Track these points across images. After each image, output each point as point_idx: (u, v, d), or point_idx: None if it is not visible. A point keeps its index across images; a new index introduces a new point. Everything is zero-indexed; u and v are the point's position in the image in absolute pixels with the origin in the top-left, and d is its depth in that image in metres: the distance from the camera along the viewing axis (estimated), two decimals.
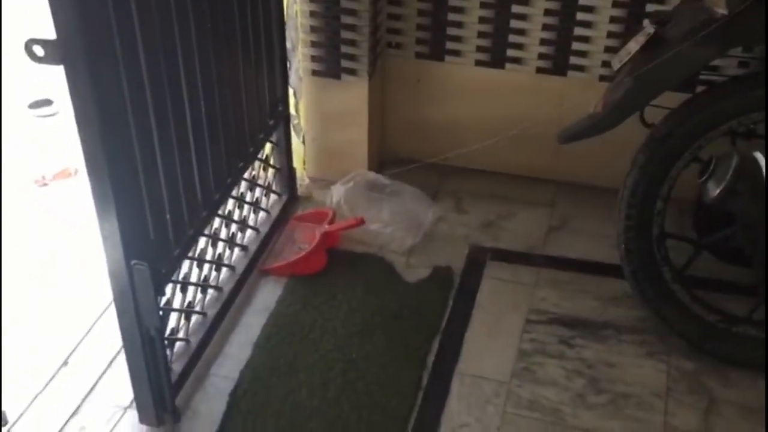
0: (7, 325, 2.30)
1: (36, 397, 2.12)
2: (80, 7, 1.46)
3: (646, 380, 2.17)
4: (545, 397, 2.13)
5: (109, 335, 2.19)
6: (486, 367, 2.21)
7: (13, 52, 3.49)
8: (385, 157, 2.99)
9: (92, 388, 2.15)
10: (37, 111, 3.43)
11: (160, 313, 1.92)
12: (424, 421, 2.07)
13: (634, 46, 2.00)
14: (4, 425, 1.95)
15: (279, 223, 2.71)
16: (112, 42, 1.60)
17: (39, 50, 1.50)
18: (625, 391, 2.14)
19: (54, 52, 1.49)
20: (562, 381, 2.17)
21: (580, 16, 2.61)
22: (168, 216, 1.93)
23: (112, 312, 1.90)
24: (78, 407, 2.10)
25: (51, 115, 3.42)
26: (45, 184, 3.04)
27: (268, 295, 2.45)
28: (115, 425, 2.05)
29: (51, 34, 1.49)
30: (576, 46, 2.66)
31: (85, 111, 1.55)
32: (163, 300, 2.01)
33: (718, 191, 1.88)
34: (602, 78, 2.65)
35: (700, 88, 2.30)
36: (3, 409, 1.95)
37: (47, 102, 3.45)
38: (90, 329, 2.33)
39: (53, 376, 2.18)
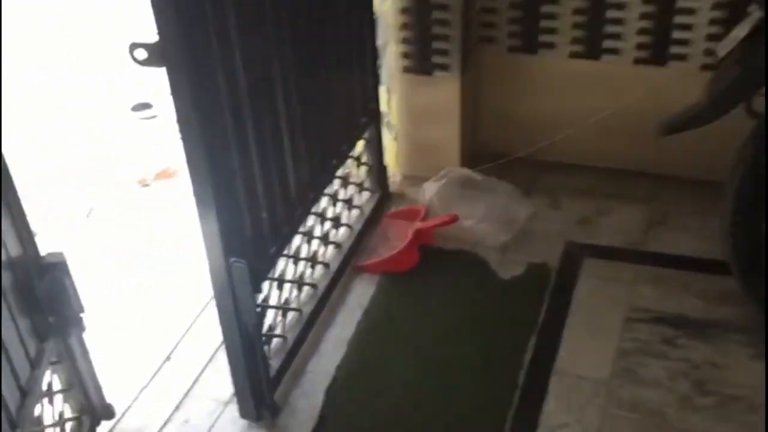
0: (114, 323, 2.39)
1: (141, 391, 2.19)
2: (181, 10, 1.50)
3: (756, 382, 2.07)
4: (648, 398, 2.06)
5: (210, 331, 2.24)
6: (585, 367, 2.15)
7: (112, 56, 3.62)
8: (478, 153, 2.96)
9: (194, 383, 2.21)
10: (139, 114, 3.56)
11: (258, 309, 1.95)
12: (521, 422, 2.04)
13: (740, 32, 1.91)
14: (112, 418, 2.02)
15: (372, 221, 2.72)
16: (210, 44, 1.63)
17: (142, 53, 1.55)
18: (733, 393, 2.05)
19: (156, 54, 1.54)
20: (666, 382, 2.10)
21: (681, 2, 2.52)
22: (264, 214, 1.96)
23: (213, 309, 1.95)
24: (181, 401, 2.16)
25: (152, 118, 3.53)
26: (147, 185, 3.14)
27: (362, 293, 2.46)
28: (216, 419, 2.10)
29: (152, 37, 1.53)
30: (676, 34, 2.56)
31: (186, 112, 1.59)
32: (261, 297, 2.04)
33: None
34: (704, 67, 2.54)
35: None
36: (111, 402, 2.02)
37: (148, 105, 3.57)
38: (191, 325, 2.39)
39: (157, 371, 2.25)
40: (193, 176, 1.68)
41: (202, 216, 1.74)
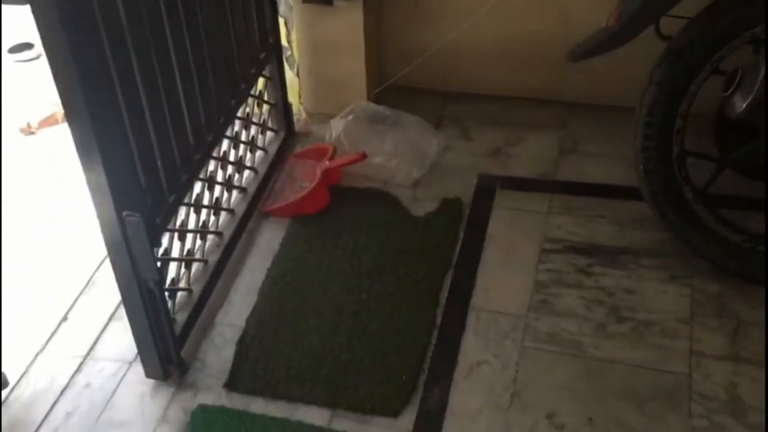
0: (4, 282, 2.23)
1: (37, 355, 2.06)
2: None
3: (670, 306, 2.10)
4: (565, 329, 2.06)
5: (109, 288, 2.11)
6: (501, 301, 2.14)
7: None
8: (385, 87, 2.87)
9: (94, 344, 2.09)
10: (17, 56, 3.29)
11: (158, 264, 1.84)
12: (439, 360, 2.01)
13: None
14: (5, 387, 1.89)
15: (277, 162, 2.62)
16: None
17: None
18: (647, 318, 2.07)
19: None
20: (582, 311, 2.10)
21: None
22: (159, 162, 1.84)
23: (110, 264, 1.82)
24: (81, 364, 2.04)
25: (33, 59, 3.28)
26: (32, 133, 2.93)
27: (270, 238, 2.38)
28: (120, 380, 1.99)
29: None
30: None
31: (59, 53, 1.44)
32: (161, 250, 1.94)
33: (745, 104, 1.77)
34: None
35: None
36: (2, 370, 1.88)
37: (28, 46, 3.31)
38: (88, 283, 2.25)
39: (53, 333, 2.12)
40: (72, 123, 1.54)
41: (88, 168, 1.60)
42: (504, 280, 2.21)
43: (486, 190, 2.51)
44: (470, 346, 2.03)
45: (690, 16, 1.95)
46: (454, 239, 2.33)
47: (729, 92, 1.82)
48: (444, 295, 2.17)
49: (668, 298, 2.12)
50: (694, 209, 2.09)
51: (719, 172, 2.10)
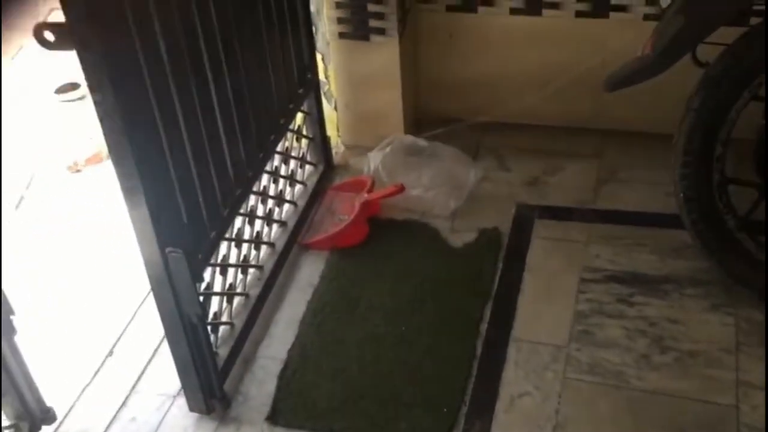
0: (50, 318, 2.27)
1: (84, 390, 2.09)
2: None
3: (714, 335, 2.06)
4: (607, 359, 2.04)
5: (153, 323, 2.14)
6: (542, 332, 2.13)
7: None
8: (421, 119, 2.89)
9: (139, 378, 2.12)
10: (63, 96, 3.38)
11: (201, 298, 1.87)
12: (481, 392, 2.00)
13: None
14: (52, 422, 1.92)
15: (316, 195, 2.65)
16: (125, 20, 1.51)
17: (49, 36, 1.42)
18: (692, 348, 2.04)
19: (65, 36, 1.41)
20: (624, 342, 2.08)
21: None
22: (200, 198, 1.87)
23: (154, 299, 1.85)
24: (127, 398, 2.07)
25: (78, 99, 3.36)
26: (78, 171, 3.00)
27: (310, 271, 2.39)
28: (164, 414, 2.02)
29: (60, 17, 1.41)
30: None
31: (103, 94, 1.48)
32: (203, 285, 1.97)
33: None
34: (647, 17, 2.50)
35: (755, 20, 2.14)
36: (51, 405, 1.91)
37: (74, 86, 3.40)
38: (133, 318, 2.29)
39: (99, 368, 2.15)
40: (117, 162, 1.57)
41: (131, 205, 1.63)
42: (544, 310, 2.19)
43: (524, 220, 2.50)
44: (511, 377, 2.02)
45: (727, 43, 1.94)
46: (493, 270, 2.33)
47: None
48: (484, 326, 2.17)
49: (712, 328, 2.09)
50: (736, 237, 2.06)
51: (761, 200, 2.07)
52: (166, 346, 2.01)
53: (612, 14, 2.55)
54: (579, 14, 2.58)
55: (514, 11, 2.64)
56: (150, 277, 1.77)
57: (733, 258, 2.08)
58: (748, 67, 1.91)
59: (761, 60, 1.89)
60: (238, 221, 2.21)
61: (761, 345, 2.03)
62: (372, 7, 2.56)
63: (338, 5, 2.59)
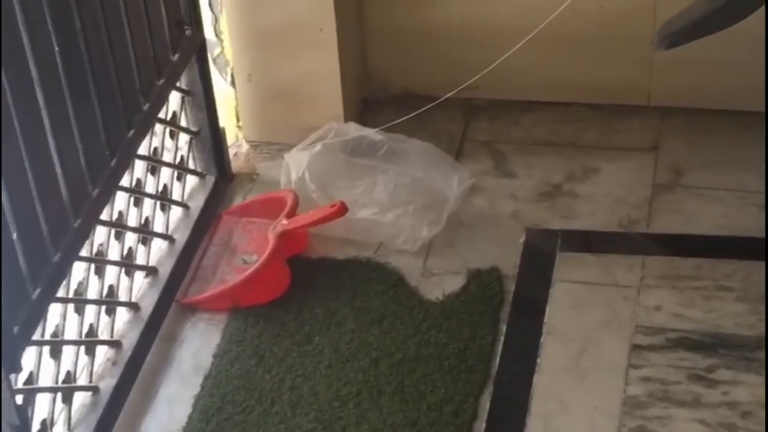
0: None
1: None
2: None
3: None
4: None
5: None
6: None
7: None
8: (372, 97, 2.91)
9: None
10: None
11: (18, 399, 1.85)
12: None
13: None
14: None
15: (205, 224, 2.65)
16: None
17: None
18: None
19: None
20: None
21: None
22: (14, 235, 1.84)
23: None
24: None
25: None
26: None
27: (198, 347, 2.39)
28: None
29: None
30: None
31: None
32: (23, 377, 1.94)
33: None
34: None
35: None
36: None
37: None
38: None
39: None
40: None
41: None
42: (575, 398, 2.21)
43: (539, 255, 2.53)
44: None
45: None
46: (492, 336, 2.34)
47: None
48: (481, 426, 2.17)
49: None
50: None
51: None
52: None
53: None
54: None
55: None
56: None
57: None
58: None
59: None
60: (79, 270, 2.20)
61: None
62: None
63: None
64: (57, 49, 1.96)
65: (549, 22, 2.66)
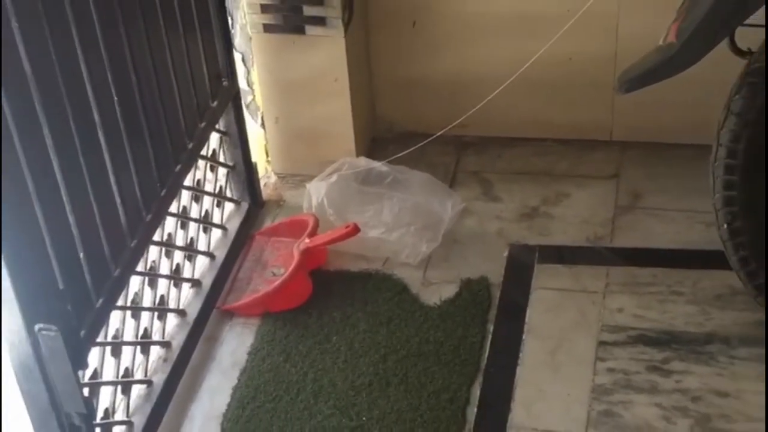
0: None
1: None
2: None
3: None
4: None
5: (19, 427, 2.10)
6: (550, 416, 2.14)
7: None
8: (379, 136, 2.91)
9: None
10: None
11: (85, 391, 1.85)
12: None
13: None
14: None
15: (240, 243, 2.65)
16: None
17: None
18: (749, 429, 2.06)
19: None
20: (660, 424, 2.09)
21: None
22: (81, 254, 1.85)
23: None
24: None
25: None
26: None
27: (235, 346, 2.39)
28: None
29: None
30: None
31: None
32: (89, 372, 1.94)
33: None
34: None
35: None
36: None
37: None
38: None
39: None
40: None
41: None
42: (552, 387, 2.21)
43: (521, 266, 2.53)
44: None
45: None
46: (481, 334, 2.34)
47: None
48: (472, 411, 2.17)
49: None
50: None
51: None
52: None
53: None
54: None
55: None
56: (14, 364, 1.75)
57: None
58: None
59: None
60: (135, 283, 2.20)
61: None
62: None
63: None
64: (116, 98, 1.96)
65: (526, 71, 2.67)
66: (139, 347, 2.22)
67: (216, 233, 2.62)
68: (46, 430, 1.83)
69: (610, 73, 2.11)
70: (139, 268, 2.19)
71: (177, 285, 2.41)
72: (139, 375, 2.20)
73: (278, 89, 2.78)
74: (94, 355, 1.97)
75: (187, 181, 2.44)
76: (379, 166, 2.73)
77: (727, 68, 2.03)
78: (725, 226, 2.09)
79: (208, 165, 2.61)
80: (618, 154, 2.83)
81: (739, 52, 2.01)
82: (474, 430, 2.13)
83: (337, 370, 2.28)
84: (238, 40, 2.67)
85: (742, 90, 2.00)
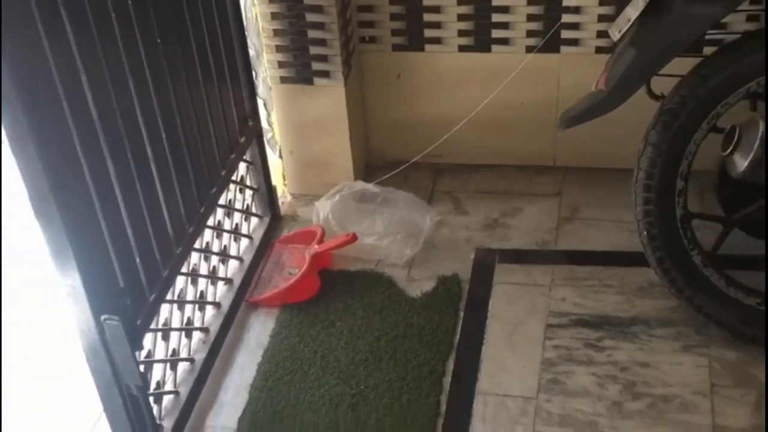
0: None
1: None
2: (10, 47, 1.36)
3: (687, 378, 2.08)
4: (578, 409, 2.04)
5: (89, 396, 2.08)
6: (509, 384, 2.13)
7: None
8: (372, 164, 2.91)
9: None
10: None
11: (141, 368, 1.84)
12: None
13: (632, 12, 1.91)
14: None
15: (263, 249, 2.63)
16: (49, 74, 1.50)
17: None
18: (665, 393, 2.06)
19: None
20: (595, 390, 2.09)
21: None
22: (137, 259, 1.85)
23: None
24: None
25: None
26: None
27: (260, 330, 2.37)
28: None
29: None
30: (567, 18, 2.57)
31: (27, 158, 1.46)
32: (143, 353, 1.93)
33: (746, 163, 1.79)
34: (599, 50, 2.57)
35: (709, 50, 2.21)
36: None
37: None
38: (66, 392, 2.22)
39: None
40: (44, 226, 1.55)
41: (61, 270, 1.60)
42: (510, 360, 2.20)
43: (484, 265, 2.51)
44: None
45: (681, 74, 1.99)
46: (454, 320, 2.33)
47: (728, 151, 1.84)
48: (447, 380, 2.16)
49: (685, 370, 2.11)
50: (703, 273, 2.09)
51: (726, 233, 2.12)
52: (104, 421, 1.97)
53: (563, 48, 2.62)
54: (529, 49, 2.63)
55: (462, 48, 2.69)
56: (84, 347, 1.74)
57: (701, 295, 2.11)
58: (704, 99, 1.95)
59: (718, 90, 1.94)
60: (180, 281, 2.19)
61: (736, 386, 2.05)
62: (314, 50, 2.58)
63: (279, 48, 2.60)
64: (164, 136, 1.96)
65: (489, 112, 2.68)
66: (183, 333, 2.20)
67: (244, 242, 2.61)
68: (110, 399, 1.83)
69: (554, 114, 2.11)
70: (183, 269, 2.18)
71: (213, 283, 2.39)
72: (183, 354, 2.19)
73: (292, 128, 2.77)
74: (147, 339, 1.97)
75: (221, 201, 2.43)
76: (372, 187, 2.72)
77: (645, 109, 2.04)
78: (645, 233, 2.09)
79: (238, 188, 2.60)
80: (561, 177, 2.82)
81: (654, 96, 2.03)
82: (449, 395, 2.12)
83: (340, 348, 2.27)
84: (260, 89, 2.66)
85: (657, 126, 2.00)
